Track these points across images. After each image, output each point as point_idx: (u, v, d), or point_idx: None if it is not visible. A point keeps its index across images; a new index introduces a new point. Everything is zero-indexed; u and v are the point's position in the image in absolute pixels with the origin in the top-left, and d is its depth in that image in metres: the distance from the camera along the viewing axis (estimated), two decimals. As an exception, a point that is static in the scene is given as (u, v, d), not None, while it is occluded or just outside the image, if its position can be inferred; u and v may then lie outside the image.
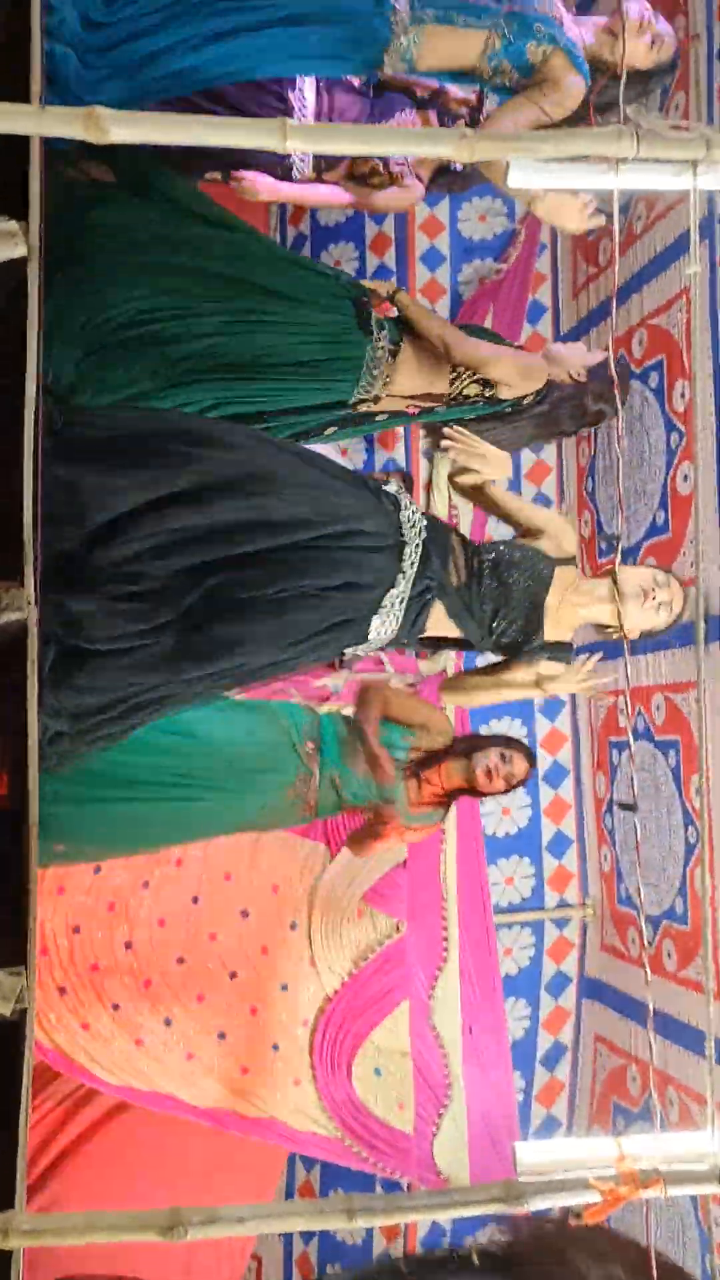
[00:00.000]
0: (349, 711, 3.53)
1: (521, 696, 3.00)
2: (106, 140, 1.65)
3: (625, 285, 4.16)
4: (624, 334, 4.18)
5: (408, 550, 2.53)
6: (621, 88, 2.50)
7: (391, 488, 2.64)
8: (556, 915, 4.53)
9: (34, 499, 2.05)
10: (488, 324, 4.41)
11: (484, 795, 3.36)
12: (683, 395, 3.85)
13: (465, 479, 2.89)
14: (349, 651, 2.70)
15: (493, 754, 3.25)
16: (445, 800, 3.32)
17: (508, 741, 3.36)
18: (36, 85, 1.90)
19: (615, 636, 2.74)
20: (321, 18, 2.68)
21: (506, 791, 3.35)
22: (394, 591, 2.52)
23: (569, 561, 2.72)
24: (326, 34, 2.71)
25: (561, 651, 2.76)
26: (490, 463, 2.81)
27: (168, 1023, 3.80)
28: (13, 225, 1.87)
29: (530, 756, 3.35)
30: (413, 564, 2.52)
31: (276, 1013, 3.99)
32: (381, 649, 4.37)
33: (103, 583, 2.28)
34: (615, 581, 2.64)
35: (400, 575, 2.52)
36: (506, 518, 2.86)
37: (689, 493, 3.77)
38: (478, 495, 2.92)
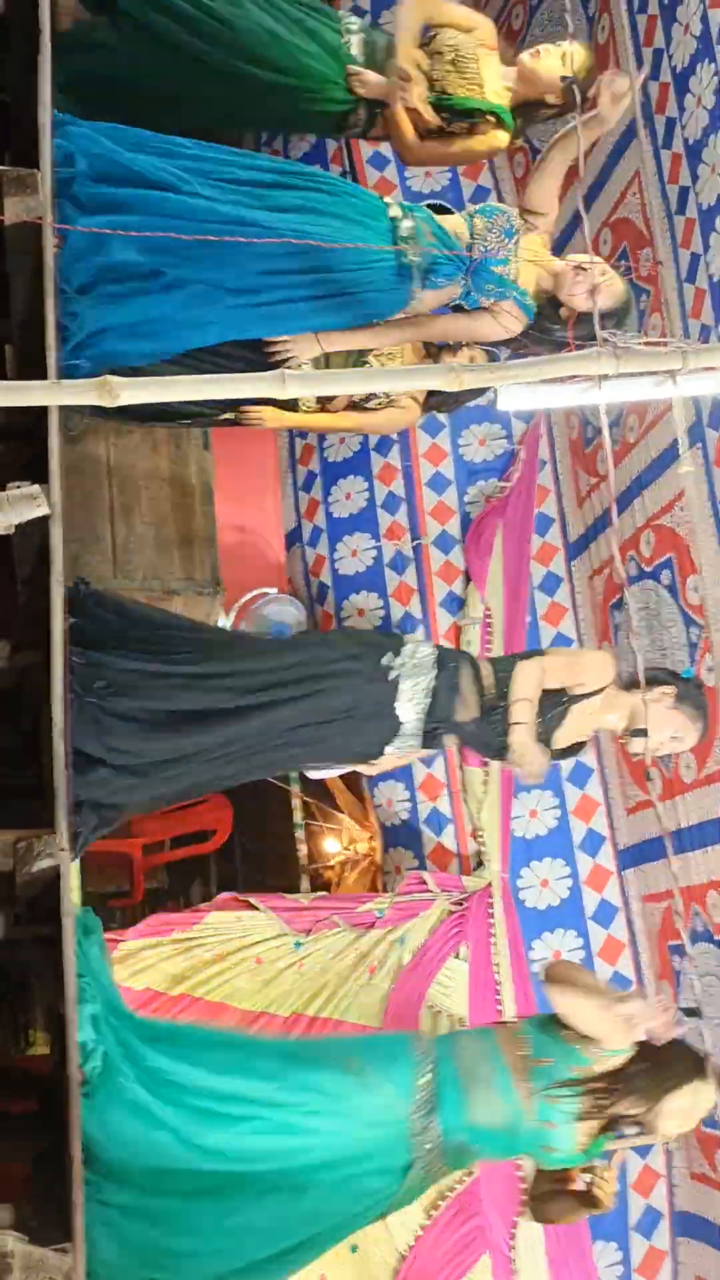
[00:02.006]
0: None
1: None
2: (117, 403, 1.76)
3: (627, 490, 4.30)
4: (631, 536, 4.29)
5: (411, 691, 2.74)
6: (571, 327, 2.85)
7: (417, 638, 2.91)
8: (637, 1143, 4.22)
9: (65, 751, 2.08)
10: (497, 540, 4.55)
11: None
12: (696, 590, 3.90)
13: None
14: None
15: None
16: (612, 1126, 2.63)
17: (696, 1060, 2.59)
18: (52, 362, 2.05)
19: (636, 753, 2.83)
20: (352, 303, 3.08)
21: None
22: (404, 727, 2.74)
23: (599, 689, 2.79)
24: (359, 311, 3.11)
25: (573, 752, 2.88)
26: None
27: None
28: (35, 489, 1.97)
29: None
30: (420, 710, 2.74)
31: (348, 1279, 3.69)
32: (423, 868, 4.30)
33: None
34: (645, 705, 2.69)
35: (404, 714, 2.73)
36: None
37: (715, 684, 3.77)
38: None
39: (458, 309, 3.27)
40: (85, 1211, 1.85)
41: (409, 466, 4.83)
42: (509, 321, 3.19)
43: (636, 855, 4.27)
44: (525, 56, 3.49)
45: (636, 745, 2.71)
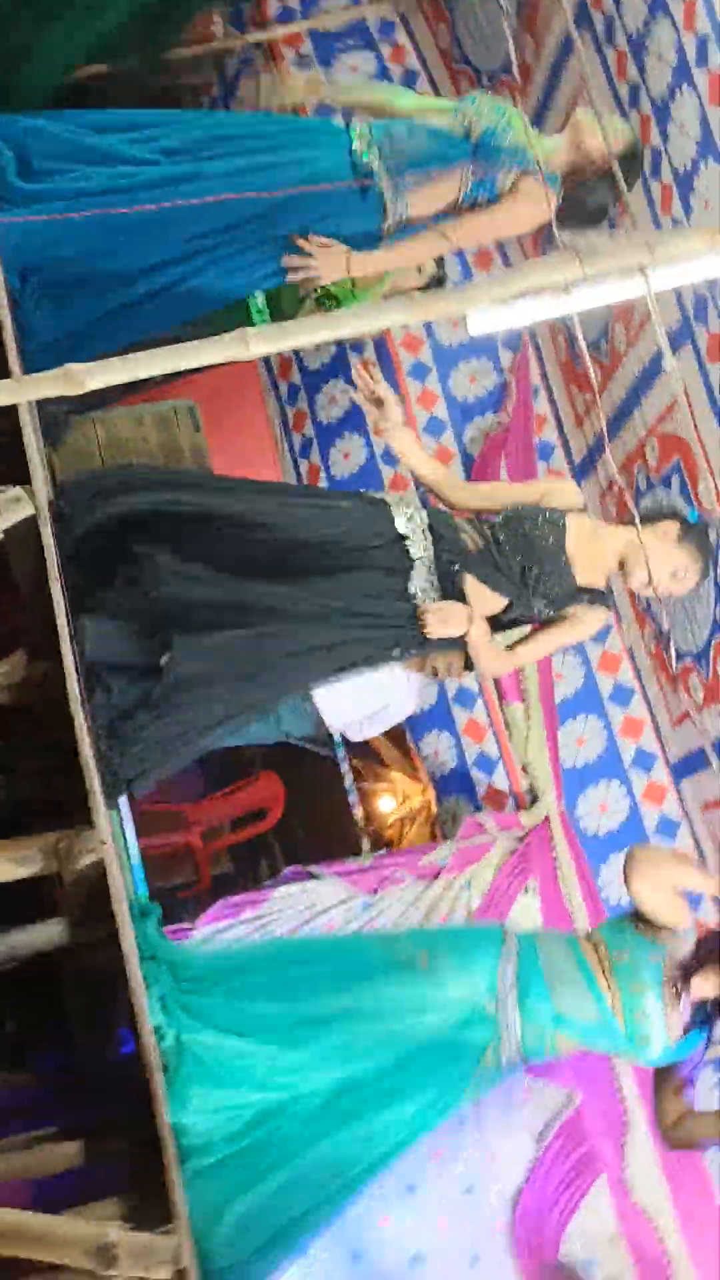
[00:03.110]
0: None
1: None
2: (83, 389, 1.74)
3: (624, 402, 4.23)
4: (635, 448, 4.22)
5: (414, 536, 2.63)
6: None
7: (379, 494, 2.76)
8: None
9: (92, 748, 2.08)
10: (501, 474, 4.49)
11: None
12: (708, 492, 3.84)
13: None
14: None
15: None
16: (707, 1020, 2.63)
17: None
18: (14, 360, 2.03)
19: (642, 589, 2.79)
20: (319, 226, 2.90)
21: None
22: (416, 574, 2.62)
23: (580, 510, 2.76)
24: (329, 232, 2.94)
25: (599, 598, 2.77)
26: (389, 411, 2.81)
27: (356, 1257, 3.56)
28: (17, 490, 1.96)
29: None
30: (426, 547, 2.63)
31: (466, 1221, 3.72)
32: (479, 811, 4.29)
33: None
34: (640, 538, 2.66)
35: (417, 560, 2.62)
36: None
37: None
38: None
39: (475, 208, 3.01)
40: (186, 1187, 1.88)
41: (403, 416, 4.77)
42: (536, 199, 2.94)
43: (689, 765, 4.23)
44: None
45: (637, 580, 2.70)
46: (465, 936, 2.80)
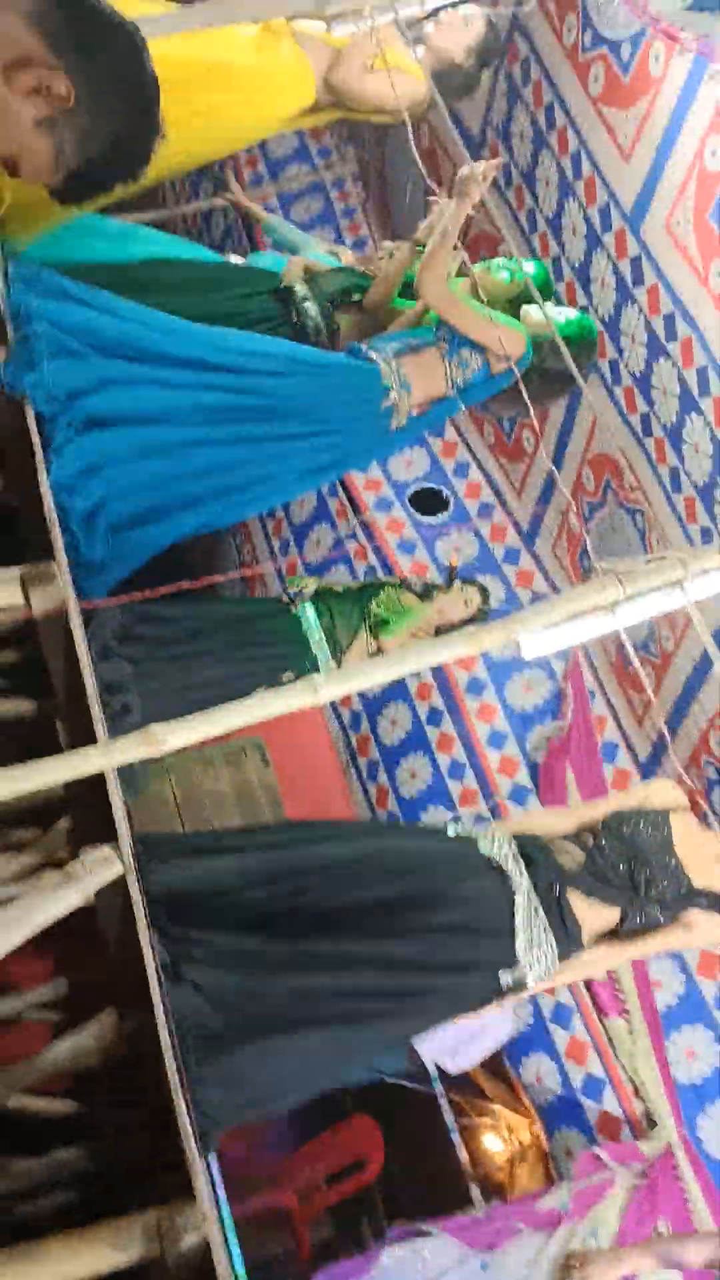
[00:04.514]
0: None
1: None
2: (164, 750, 1.83)
3: (681, 697, 4.30)
4: (700, 740, 4.25)
5: (508, 867, 2.52)
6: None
7: (461, 829, 2.68)
8: None
9: (189, 1112, 2.01)
10: (568, 776, 4.52)
11: None
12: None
13: None
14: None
15: None
16: None
17: None
18: (99, 727, 2.14)
19: None
20: (328, 429, 3.19)
21: None
22: (520, 905, 2.48)
23: (684, 809, 2.67)
24: (335, 442, 3.23)
25: (718, 902, 2.62)
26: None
27: None
28: (106, 850, 2.01)
29: None
30: (521, 872, 2.51)
31: None
32: (593, 1142, 3.98)
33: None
34: None
35: (516, 890, 2.49)
36: None
37: None
38: None
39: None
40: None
41: (465, 731, 4.88)
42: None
43: None
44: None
45: None
46: None
